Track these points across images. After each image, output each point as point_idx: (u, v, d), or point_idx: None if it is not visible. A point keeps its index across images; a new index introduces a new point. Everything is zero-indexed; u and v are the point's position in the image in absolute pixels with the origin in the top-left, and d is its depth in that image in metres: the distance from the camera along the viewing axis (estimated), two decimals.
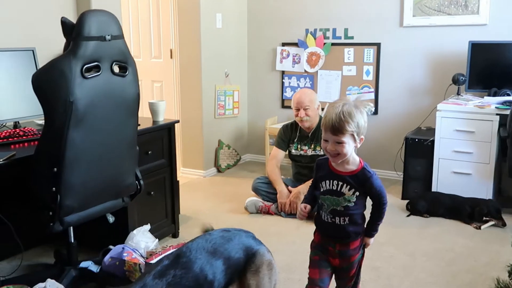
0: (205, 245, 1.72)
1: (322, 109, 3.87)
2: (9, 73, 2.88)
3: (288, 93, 5.19)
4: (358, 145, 2.00)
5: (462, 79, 4.08)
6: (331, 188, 2.05)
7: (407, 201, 3.96)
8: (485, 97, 3.99)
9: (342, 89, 4.92)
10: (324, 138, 1.99)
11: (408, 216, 3.80)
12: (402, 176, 4.24)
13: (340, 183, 2.03)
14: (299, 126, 3.97)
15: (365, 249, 2.18)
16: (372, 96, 4.78)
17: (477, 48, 4.07)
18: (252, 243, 1.93)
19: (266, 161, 4.63)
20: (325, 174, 2.08)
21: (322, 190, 2.09)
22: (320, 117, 3.91)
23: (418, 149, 4.06)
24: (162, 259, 1.65)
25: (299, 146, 3.98)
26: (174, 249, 1.73)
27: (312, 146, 3.92)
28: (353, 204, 2.03)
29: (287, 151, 4.08)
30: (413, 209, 3.82)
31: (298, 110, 3.86)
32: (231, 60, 5.15)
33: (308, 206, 2.16)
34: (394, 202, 4.08)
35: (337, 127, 1.92)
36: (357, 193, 2.02)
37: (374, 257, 3.00)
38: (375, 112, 4.79)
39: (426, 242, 3.32)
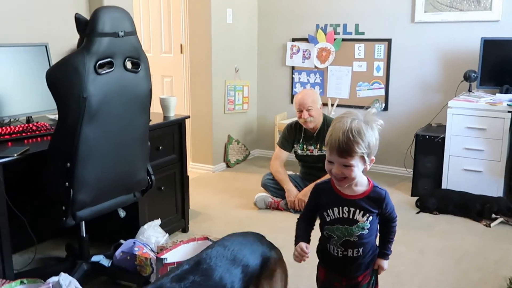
0: (225, 253, 1.69)
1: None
2: (22, 69, 2.90)
3: (297, 89, 5.18)
4: (368, 167, 1.75)
5: (473, 75, 4.05)
6: (341, 216, 1.79)
7: (416, 198, 3.95)
8: (497, 94, 3.96)
9: (352, 85, 4.90)
10: (329, 159, 1.73)
11: (417, 213, 3.80)
12: (411, 173, 4.22)
13: (352, 209, 1.77)
14: (303, 127, 3.91)
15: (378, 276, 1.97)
16: (383, 92, 4.77)
17: (489, 45, 4.04)
18: (265, 248, 1.88)
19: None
20: (331, 201, 1.80)
21: (328, 219, 1.81)
22: (324, 116, 3.88)
23: (429, 146, 4.05)
24: (182, 263, 1.63)
25: (305, 146, 3.92)
26: (194, 256, 1.70)
27: (318, 146, 3.86)
28: (367, 231, 1.79)
29: (293, 151, 4.02)
30: (423, 206, 3.81)
31: (301, 111, 3.77)
32: (241, 56, 5.15)
33: (309, 246, 1.84)
34: (404, 199, 4.08)
35: (345, 149, 1.67)
36: (371, 218, 1.78)
37: None
38: (385, 108, 4.77)
39: (435, 240, 3.32)
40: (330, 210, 1.80)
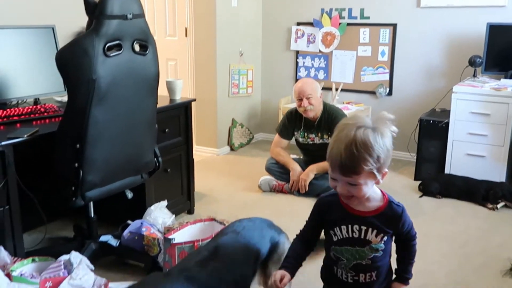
0: (238, 239, 1.73)
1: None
2: (29, 51, 2.91)
3: (302, 73, 5.19)
4: (381, 181, 1.49)
5: (479, 61, 4.05)
6: (350, 235, 1.53)
7: (419, 182, 3.98)
8: (501, 80, 3.97)
9: (357, 69, 4.91)
10: (332, 176, 1.48)
11: (420, 197, 3.83)
12: (415, 157, 4.25)
13: (364, 228, 1.52)
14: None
15: None
16: (387, 77, 4.77)
17: (495, 30, 4.04)
18: (274, 233, 1.90)
19: None
20: (339, 218, 1.54)
21: (336, 239, 1.56)
22: (325, 104, 3.83)
23: (432, 131, 4.07)
24: (201, 250, 1.68)
25: (305, 134, 3.90)
26: (210, 241, 1.74)
27: (319, 135, 3.84)
28: (381, 253, 1.55)
29: (294, 139, 4.01)
30: (426, 190, 3.84)
31: (300, 100, 3.73)
32: (245, 39, 5.15)
33: (287, 278, 1.55)
34: (407, 183, 4.11)
35: (348, 167, 1.41)
36: (385, 238, 1.54)
37: None
38: (390, 93, 4.78)
39: (439, 224, 3.35)
40: (338, 228, 1.55)
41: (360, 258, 1.54)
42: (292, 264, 1.59)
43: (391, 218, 1.53)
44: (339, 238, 1.55)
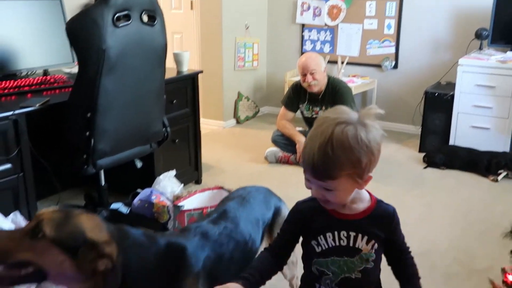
0: (244, 204, 1.78)
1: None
2: (37, 22, 2.94)
3: (307, 47, 5.19)
4: (363, 186, 1.25)
5: (485, 33, 4.05)
6: (338, 244, 1.29)
7: (424, 154, 4.02)
8: (507, 52, 3.97)
9: (363, 43, 4.90)
10: (305, 177, 1.26)
11: (425, 168, 3.88)
12: (420, 130, 4.28)
13: (353, 234, 1.29)
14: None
15: None
16: (393, 50, 4.77)
17: (502, 2, 4.01)
18: (276, 199, 1.96)
19: None
20: (324, 224, 1.30)
21: (319, 250, 1.31)
22: (329, 78, 3.84)
23: (438, 104, 4.09)
24: (211, 212, 1.74)
25: (310, 107, 3.92)
26: (218, 205, 1.80)
27: (324, 108, 3.85)
28: (372, 264, 1.31)
29: (299, 111, 4.02)
30: (430, 162, 3.89)
31: (304, 75, 3.74)
32: (251, 12, 5.14)
33: None
34: (412, 155, 4.15)
35: (321, 170, 1.18)
36: (376, 245, 1.30)
37: None
38: (395, 66, 4.78)
39: (442, 194, 3.41)
40: (322, 236, 1.30)
41: (349, 271, 1.29)
42: (256, 279, 1.28)
43: (382, 218, 1.31)
44: (324, 248, 1.30)
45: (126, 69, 2.36)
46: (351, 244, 1.29)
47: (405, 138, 4.59)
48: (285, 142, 4.01)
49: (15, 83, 2.67)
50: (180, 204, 2.48)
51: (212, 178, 3.60)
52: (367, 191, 1.34)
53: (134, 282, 1.31)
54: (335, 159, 1.15)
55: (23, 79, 2.76)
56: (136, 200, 2.71)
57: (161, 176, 2.94)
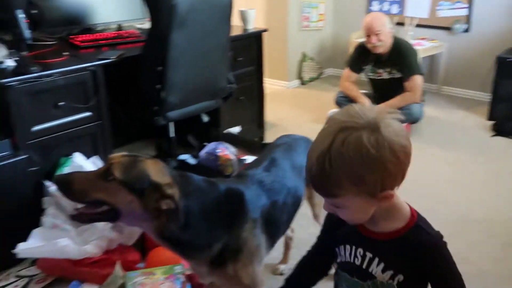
0: (290, 151, 1.82)
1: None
2: None
3: (374, 7, 5.06)
4: (383, 204, 1.02)
5: None
6: (352, 260, 1.12)
7: (493, 122, 3.89)
8: None
9: (433, 3, 4.72)
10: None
11: (493, 136, 3.76)
12: (490, 97, 4.13)
13: (369, 256, 1.09)
14: None
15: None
16: (466, 12, 4.57)
17: None
18: None
19: None
20: (346, 234, 1.14)
21: (339, 260, 1.18)
22: (395, 38, 3.73)
23: (510, 70, 3.91)
24: (261, 159, 1.78)
25: (374, 69, 3.86)
26: (265, 153, 1.84)
27: (388, 69, 3.78)
28: None
29: (364, 73, 3.96)
30: (500, 130, 3.77)
31: (369, 36, 3.67)
32: None
33: None
34: (480, 122, 4.03)
35: (319, 186, 1.00)
36: (400, 278, 1.06)
37: (457, 174, 3.03)
38: (467, 30, 4.59)
39: (510, 163, 3.31)
40: (342, 247, 1.15)
41: None
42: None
43: (412, 248, 1.03)
44: (341, 260, 1.16)
45: (194, 25, 2.44)
46: (364, 266, 1.09)
47: (473, 105, 4.45)
48: (348, 104, 3.97)
49: (92, 36, 2.81)
50: (243, 157, 2.56)
51: (275, 136, 3.54)
52: (411, 208, 1.08)
53: (196, 223, 1.40)
54: (332, 175, 0.95)
55: (99, 33, 2.90)
56: (202, 153, 2.82)
57: (226, 132, 3.03)
